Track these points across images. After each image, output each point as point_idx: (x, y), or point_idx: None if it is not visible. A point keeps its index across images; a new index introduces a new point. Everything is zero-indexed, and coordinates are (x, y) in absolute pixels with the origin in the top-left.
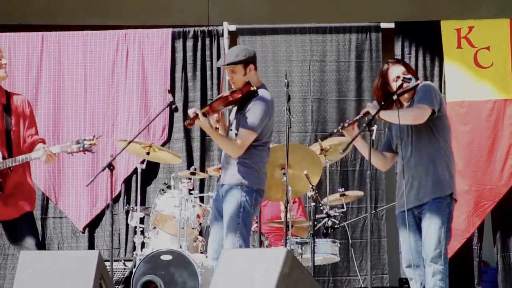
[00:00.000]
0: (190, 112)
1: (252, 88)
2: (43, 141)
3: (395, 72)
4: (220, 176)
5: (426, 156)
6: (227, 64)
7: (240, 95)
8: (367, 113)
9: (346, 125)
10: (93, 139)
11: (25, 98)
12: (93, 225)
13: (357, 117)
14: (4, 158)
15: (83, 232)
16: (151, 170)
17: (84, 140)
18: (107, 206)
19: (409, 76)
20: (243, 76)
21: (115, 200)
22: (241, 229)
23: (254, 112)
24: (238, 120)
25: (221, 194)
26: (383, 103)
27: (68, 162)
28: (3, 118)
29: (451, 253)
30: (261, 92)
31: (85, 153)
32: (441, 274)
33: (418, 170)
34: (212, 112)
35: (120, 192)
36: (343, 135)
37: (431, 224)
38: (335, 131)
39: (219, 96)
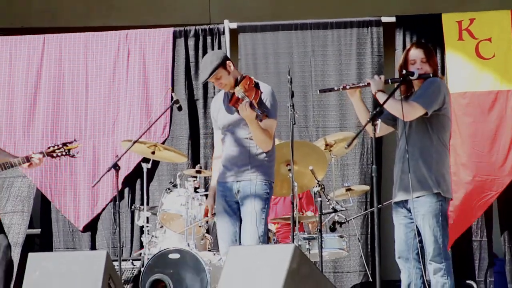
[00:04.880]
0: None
1: (254, 81)
2: None
3: (413, 55)
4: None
5: (417, 151)
6: (210, 75)
7: (253, 92)
8: (369, 85)
9: (347, 87)
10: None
11: None
12: (92, 225)
13: (359, 84)
14: None
15: (83, 232)
16: (153, 169)
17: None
18: (113, 205)
19: (412, 71)
20: (229, 76)
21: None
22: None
23: (272, 103)
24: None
25: (237, 189)
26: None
27: (66, 160)
28: None
29: (451, 243)
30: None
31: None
32: (441, 271)
33: (408, 164)
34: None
35: (122, 191)
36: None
37: (425, 225)
38: (335, 88)
39: (246, 102)
